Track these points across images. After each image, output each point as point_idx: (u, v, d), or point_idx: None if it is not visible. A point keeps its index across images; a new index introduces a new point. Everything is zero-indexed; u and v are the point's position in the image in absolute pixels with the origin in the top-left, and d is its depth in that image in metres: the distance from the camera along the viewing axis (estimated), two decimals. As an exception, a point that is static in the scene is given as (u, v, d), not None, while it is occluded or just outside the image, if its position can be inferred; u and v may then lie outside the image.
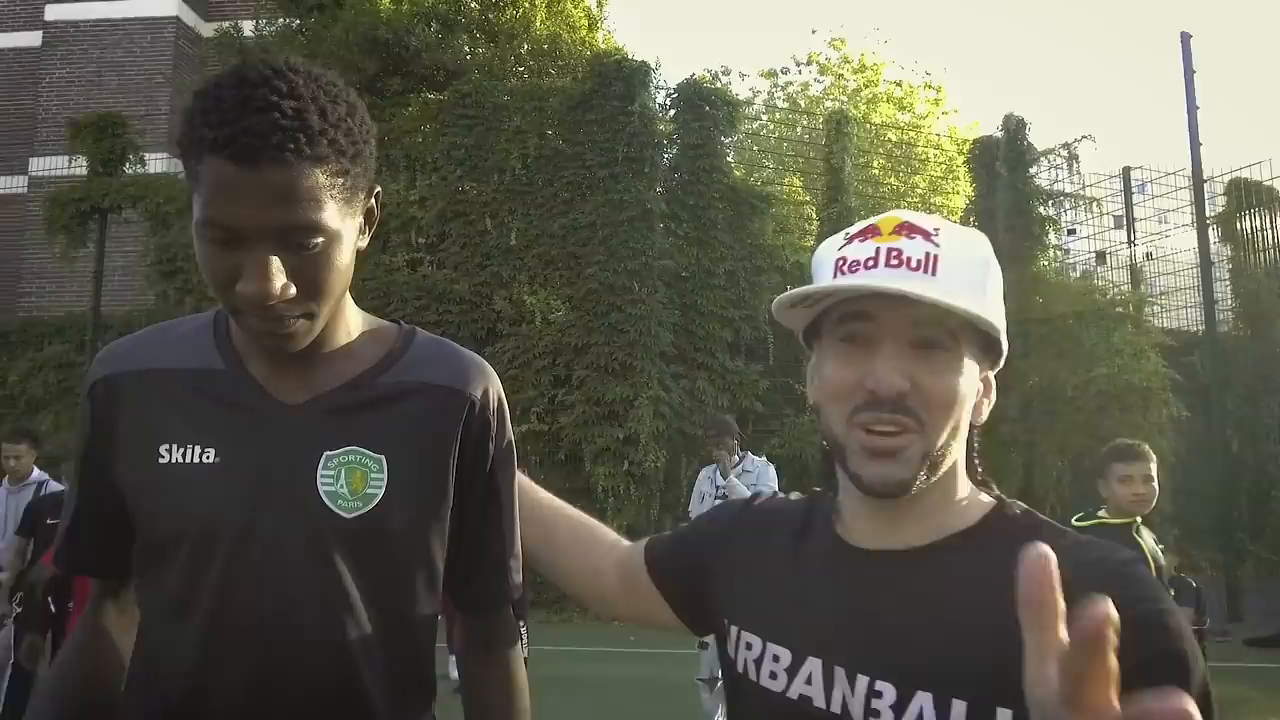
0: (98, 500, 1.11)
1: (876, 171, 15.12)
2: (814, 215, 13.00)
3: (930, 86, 20.40)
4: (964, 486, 0.94)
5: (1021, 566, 0.56)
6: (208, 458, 1.04)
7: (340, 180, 0.97)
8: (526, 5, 12.28)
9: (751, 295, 11.15)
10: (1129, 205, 13.23)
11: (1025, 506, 0.93)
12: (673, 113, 11.69)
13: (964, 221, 13.54)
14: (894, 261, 0.87)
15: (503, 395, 1.20)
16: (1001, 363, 0.95)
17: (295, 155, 0.92)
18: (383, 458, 1.06)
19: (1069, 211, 12.73)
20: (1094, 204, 12.70)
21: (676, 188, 11.37)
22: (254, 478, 1.03)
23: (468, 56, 11.78)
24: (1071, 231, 13.25)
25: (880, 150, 15.20)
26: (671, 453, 10.49)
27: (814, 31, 36.45)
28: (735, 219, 11.37)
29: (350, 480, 1.05)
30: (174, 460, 1.04)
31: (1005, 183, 11.82)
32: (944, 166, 15.61)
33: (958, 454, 0.92)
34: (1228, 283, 12.70)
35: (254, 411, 1.06)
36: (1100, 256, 13.16)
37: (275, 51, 11.39)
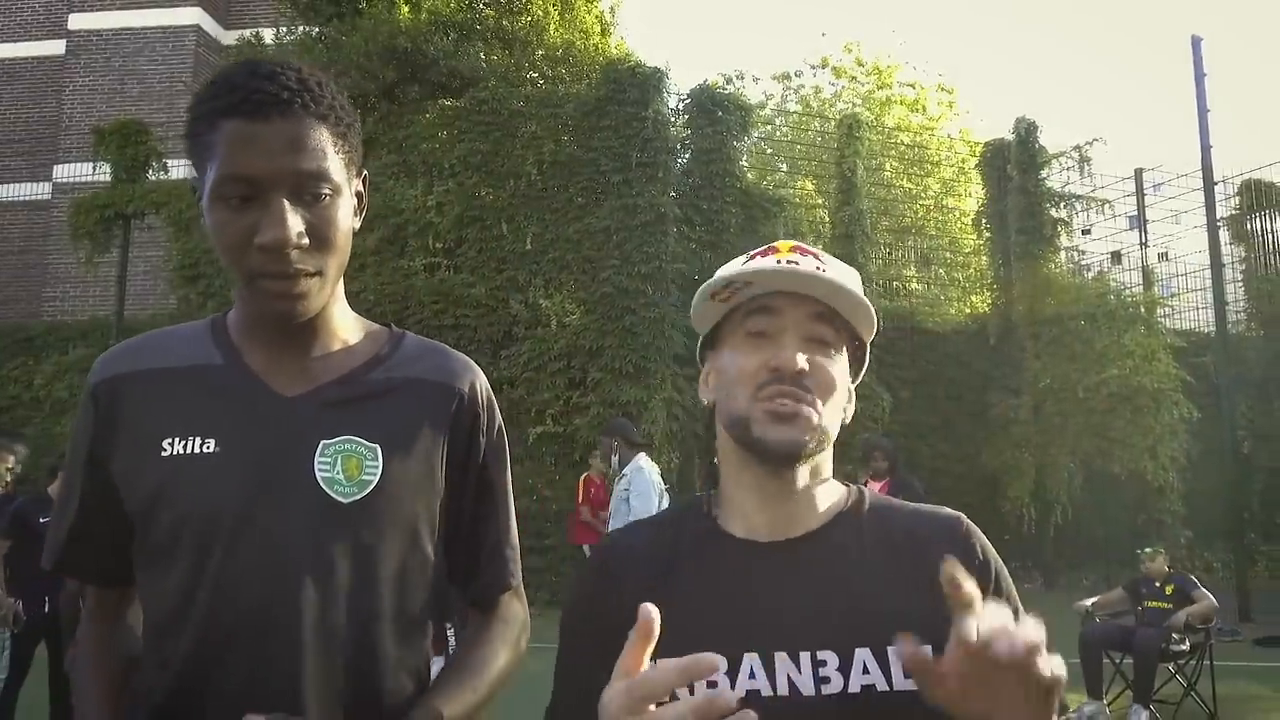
0: (99, 502, 1.12)
1: (889, 174, 15.19)
2: (827, 218, 13.09)
3: (943, 89, 20.43)
4: (831, 480, 1.09)
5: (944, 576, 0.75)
6: (208, 448, 1.07)
7: (341, 142, 1.07)
8: (540, 12, 12.42)
9: (764, 298, 11.22)
10: (1141, 207, 13.25)
11: (864, 487, 1.12)
12: (686, 118, 11.80)
13: (976, 224, 13.61)
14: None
15: (490, 391, 1.24)
16: (859, 378, 1.11)
17: (303, 110, 1.02)
18: (378, 447, 1.10)
19: (1081, 213, 12.76)
20: (1105, 206, 12.73)
21: (689, 192, 11.47)
22: (253, 465, 1.06)
23: (483, 64, 11.93)
24: (1086, 232, 13.28)
25: (893, 153, 15.26)
26: (685, 454, 10.61)
27: (824, 35, 36.33)
28: (748, 223, 11.47)
29: (346, 467, 1.08)
30: (175, 452, 1.07)
31: (1017, 185, 11.89)
32: (956, 169, 15.66)
33: (830, 445, 1.06)
34: (1240, 284, 12.71)
35: (252, 402, 1.09)
36: (1115, 257, 13.19)
37: (295, 59, 11.58)
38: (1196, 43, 10.09)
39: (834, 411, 1.03)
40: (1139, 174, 13.41)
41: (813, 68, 21.05)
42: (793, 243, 1.07)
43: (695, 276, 11.16)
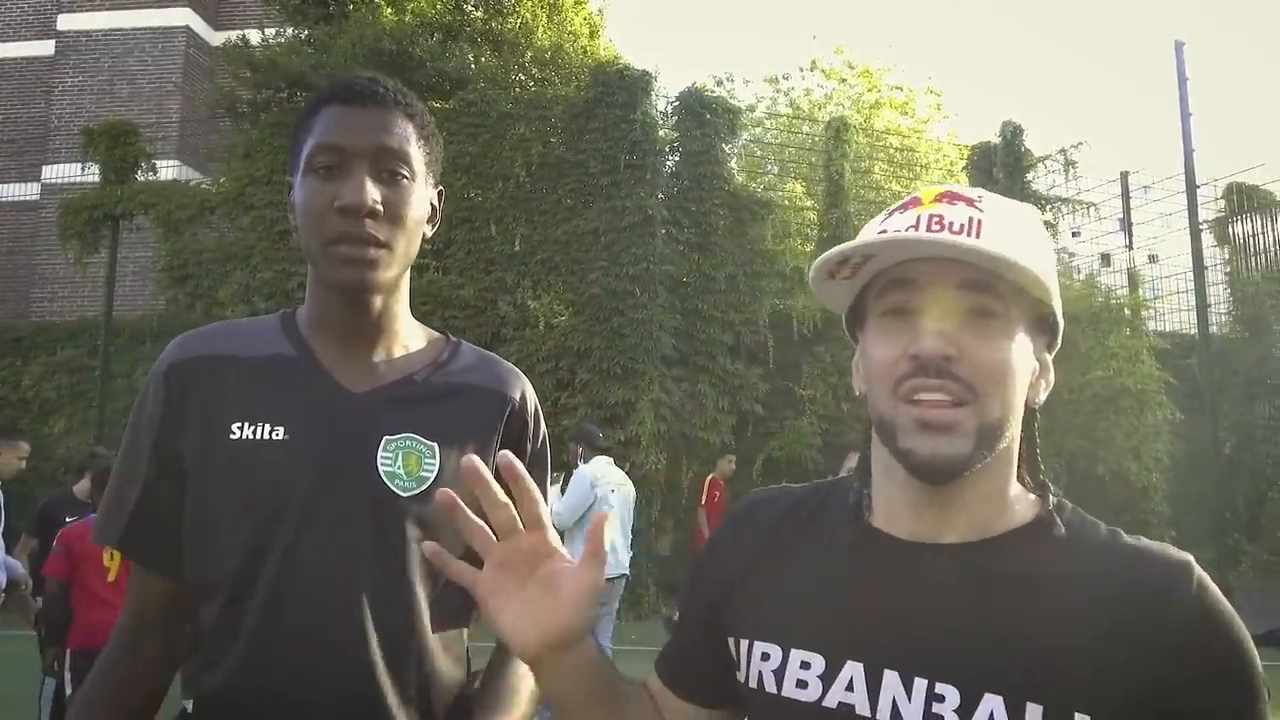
0: (165, 484, 1.14)
1: (878, 176, 15.25)
2: (815, 220, 13.14)
3: (931, 91, 20.50)
4: (1015, 482, 0.88)
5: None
6: (277, 435, 1.12)
7: (423, 144, 1.18)
8: (528, 15, 12.44)
9: (751, 300, 11.29)
10: (1127, 209, 13.34)
11: (1073, 505, 0.88)
12: (674, 120, 11.84)
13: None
14: (935, 226, 0.81)
15: (537, 401, 1.32)
16: (1058, 343, 0.89)
17: (394, 104, 1.16)
18: (435, 445, 1.17)
19: (1067, 216, 12.84)
20: (1090, 208, 12.81)
21: (678, 194, 11.51)
22: (319, 455, 1.12)
23: (471, 66, 11.94)
24: (1075, 234, 13.37)
25: (881, 156, 15.31)
26: (672, 455, 10.64)
27: (815, 37, 36.46)
28: (736, 225, 11.51)
29: (406, 463, 1.15)
30: (244, 437, 1.12)
31: (1003, 188, 11.93)
32: (944, 171, 15.73)
33: (1014, 439, 0.85)
34: (1225, 286, 12.80)
35: (322, 395, 1.15)
36: (1105, 259, 13.28)
37: (283, 61, 11.59)
38: (1179, 47, 10.18)
39: (1007, 400, 0.81)
40: (1124, 177, 13.50)
41: (802, 70, 21.12)
42: (941, 188, 0.86)
43: (683, 278, 11.21)
